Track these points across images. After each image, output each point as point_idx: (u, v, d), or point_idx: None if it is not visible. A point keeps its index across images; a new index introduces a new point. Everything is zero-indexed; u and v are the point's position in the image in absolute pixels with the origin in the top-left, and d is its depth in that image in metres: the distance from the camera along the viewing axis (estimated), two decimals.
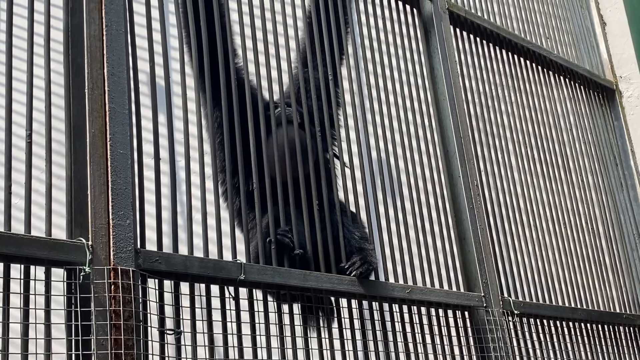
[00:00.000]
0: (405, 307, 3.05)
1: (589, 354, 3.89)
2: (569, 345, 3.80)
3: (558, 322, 3.80)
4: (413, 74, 3.65)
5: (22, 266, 2.01)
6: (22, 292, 2.00)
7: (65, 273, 2.07)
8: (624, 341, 4.23)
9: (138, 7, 2.53)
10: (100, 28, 2.34)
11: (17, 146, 2.13)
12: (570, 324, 3.88)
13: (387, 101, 3.42)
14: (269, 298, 2.58)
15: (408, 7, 3.77)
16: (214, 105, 2.75)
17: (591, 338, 3.97)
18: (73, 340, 2.01)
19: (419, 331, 3.05)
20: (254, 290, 2.55)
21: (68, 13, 2.34)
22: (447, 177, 3.57)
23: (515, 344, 3.41)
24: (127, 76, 2.36)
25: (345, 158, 3.17)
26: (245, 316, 2.49)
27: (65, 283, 2.06)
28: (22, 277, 2.01)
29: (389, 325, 2.93)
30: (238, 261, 2.46)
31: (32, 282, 2.03)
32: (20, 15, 2.27)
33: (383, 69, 3.48)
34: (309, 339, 2.66)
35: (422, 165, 3.46)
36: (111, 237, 2.14)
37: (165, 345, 2.23)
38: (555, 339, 3.73)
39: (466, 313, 3.33)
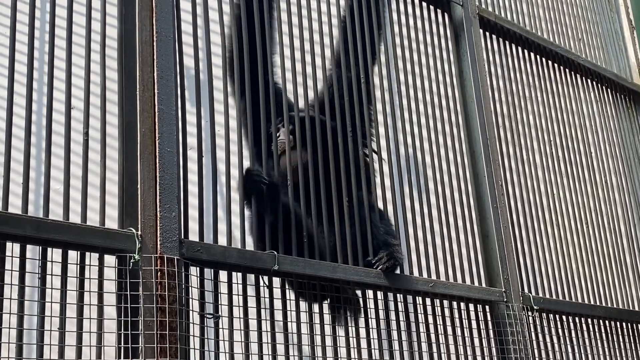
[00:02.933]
0: (428, 300, 3.22)
1: (606, 350, 4.03)
2: (587, 341, 3.94)
3: (577, 319, 3.95)
4: (442, 76, 3.81)
5: (79, 252, 2.22)
6: (78, 276, 2.21)
7: (116, 260, 2.27)
8: None
9: (185, 16, 2.71)
10: (151, 34, 2.53)
11: (75, 141, 2.34)
12: (589, 320, 4.02)
13: (416, 100, 3.58)
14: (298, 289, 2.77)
15: (439, 12, 3.92)
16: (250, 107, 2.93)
17: (609, 335, 4.11)
18: (122, 321, 2.22)
19: (441, 323, 3.22)
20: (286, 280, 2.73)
21: (122, 20, 2.54)
22: (473, 176, 3.72)
23: (534, 338, 3.57)
24: (175, 79, 2.56)
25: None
26: (277, 304, 2.68)
27: (116, 269, 2.26)
28: (78, 263, 2.21)
29: (412, 317, 3.10)
30: (273, 253, 2.65)
31: (87, 267, 2.23)
32: (78, 24, 2.47)
33: (414, 70, 3.63)
34: (337, 327, 2.84)
35: (449, 162, 3.62)
36: (158, 227, 2.34)
37: (205, 327, 2.42)
38: (573, 335, 3.88)
39: (487, 307, 3.49)
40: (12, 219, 2.06)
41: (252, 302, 2.61)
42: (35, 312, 2.10)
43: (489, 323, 3.45)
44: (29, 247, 2.14)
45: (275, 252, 2.65)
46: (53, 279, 2.15)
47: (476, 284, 3.48)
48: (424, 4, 3.86)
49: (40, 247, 2.15)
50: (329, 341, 2.79)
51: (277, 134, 3.04)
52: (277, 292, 2.70)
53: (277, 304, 2.69)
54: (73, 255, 2.21)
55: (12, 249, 2.09)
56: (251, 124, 2.84)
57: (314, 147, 3.05)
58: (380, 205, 3.28)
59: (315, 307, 2.82)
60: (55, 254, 2.17)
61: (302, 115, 3.05)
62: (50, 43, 2.37)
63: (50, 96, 2.33)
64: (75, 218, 2.25)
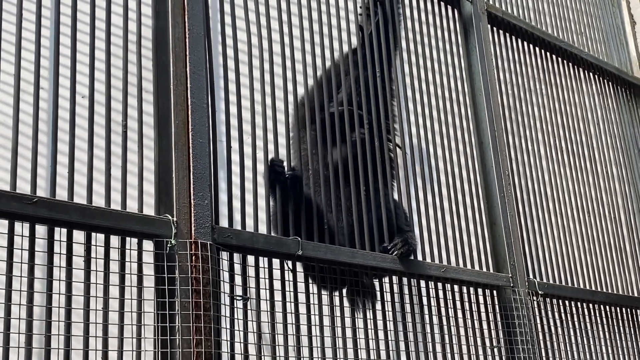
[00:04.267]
0: (440, 285, 3.38)
1: (606, 334, 4.20)
2: (588, 325, 4.11)
3: (579, 304, 4.11)
4: (452, 69, 3.95)
5: (120, 237, 2.37)
6: (119, 259, 2.35)
7: (154, 244, 2.42)
8: None
9: (213, 14, 2.85)
10: (183, 31, 2.68)
11: (115, 132, 2.48)
12: (591, 305, 4.19)
13: (428, 93, 3.72)
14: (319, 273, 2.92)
15: (449, 8, 4.07)
16: None
17: (609, 320, 4.28)
18: (160, 302, 2.37)
19: (452, 306, 3.38)
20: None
21: (155, 18, 2.68)
22: (481, 166, 3.87)
23: (538, 321, 3.73)
24: (206, 74, 2.70)
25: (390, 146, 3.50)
26: (301, 287, 2.83)
27: (154, 253, 2.41)
28: (119, 247, 2.36)
29: (425, 300, 3.26)
30: (297, 239, 2.80)
31: (127, 251, 2.38)
32: (115, 25, 2.60)
33: (425, 64, 3.78)
34: (355, 309, 3.00)
35: (458, 153, 3.77)
36: (192, 214, 2.49)
37: (235, 309, 2.58)
38: (575, 319, 4.04)
39: (495, 292, 3.65)
40: (60, 205, 2.21)
41: (277, 286, 2.76)
42: (82, 293, 2.24)
43: (497, 307, 3.61)
44: (75, 232, 2.29)
45: (299, 238, 2.80)
46: (97, 262, 2.30)
47: (484, 269, 3.64)
48: (435, 0, 4.00)
49: (85, 232, 2.30)
50: (348, 323, 2.94)
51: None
52: (300, 277, 2.86)
53: (301, 287, 2.84)
54: (114, 240, 2.36)
55: (60, 233, 2.24)
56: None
57: (346, 140, 3.21)
58: (396, 196, 3.44)
59: (336, 292, 2.97)
60: (98, 239, 2.32)
61: (332, 111, 3.21)
62: (91, 41, 2.51)
63: (92, 91, 2.47)
64: (115, 206, 2.40)
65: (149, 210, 2.49)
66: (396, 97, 3.55)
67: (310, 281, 2.88)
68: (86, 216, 2.26)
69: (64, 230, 2.26)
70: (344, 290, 3.06)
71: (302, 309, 2.81)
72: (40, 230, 2.24)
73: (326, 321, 2.86)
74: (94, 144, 2.42)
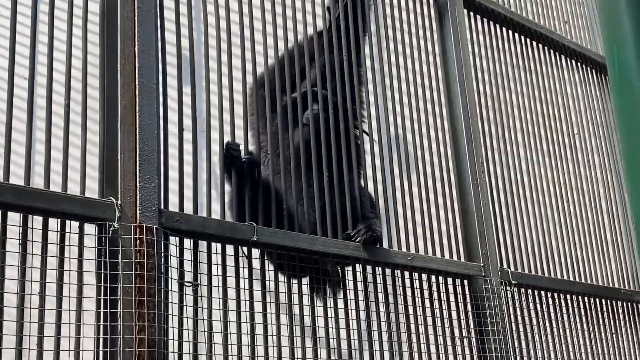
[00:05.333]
0: (407, 274, 3.29)
1: (584, 326, 4.11)
2: (565, 316, 4.02)
3: (556, 295, 4.02)
4: (426, 55, 3.86)
5: (59, 220, 2.28)
6: (58, 243, 2.27)
7: (96, 228, 2.33)
8: (621, 316, 4.43)
9: None
10: (132, 9, 2.59)
11: (56, 113, 2.39)
12: (568, 296, 4.10)
13: (399, 78, 3.63)
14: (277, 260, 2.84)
15: None
16: None
17: (588, 311, 4.19)
18: (102, 287, 2.28)
19: (419, 296, 3.29)
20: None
21: None
22: (454, 153, 3.79)
23: (512, 312, 3.65)
24: (156, 53, 2.61)
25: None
26: (256, 274, 2.75)
27: (96, 237, 2.33)
28: (58, 230, 2.28)
29: (390, 289, 3.18)
30: (252, 224, 2.71)
31: (67, 235, 2.29)
32: None
33: (397, 49, 3.68)
34: (315, 297, 2.91)
35: (430, 140, 3.68)
36: (138, 197, 2.40)
37: (184, 295, 2.49)
38: (552, 310, 3.95)
39: (465, 282, 3.56)
40: None
41: (232, 273, 2.68)
42: (16, 277, 2.16)
43: (467, 297, 3.53)
44: (10, 214, 2.20)
45: (255, 224, 2.71)
46: (34, 246, 2.22)
47: (455, 258, 3.55)
48: None
49: (22, 215, 2.21)
50: (307, 311, 2.85)
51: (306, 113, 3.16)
52: (257, 264, 2.77)
53: (257, 275, 2.76)
54: (53, 223, 2.28)
55: None
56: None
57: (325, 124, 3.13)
58: (363, 182, 3.35)
59: (295, 280, 2.88)
60: (36, 222, 2.23)
61: (295, 95, 3.12)
62: (33, 16, 2.42)
63: (32, 68, 2.38)
64: (57, 189, 2.32)
65: (94, 193, 2.40)
66: (364, 83, 3.45)
67: (268, 268, 2.79)
68: (22, 197, 2.17)
69: None
70: (306, 279, 2.98)
71: (259, 297, 2.72)
72: None
73: (283, 309, 2.77)
74: (33, 123, 2.33)
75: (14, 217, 2.20)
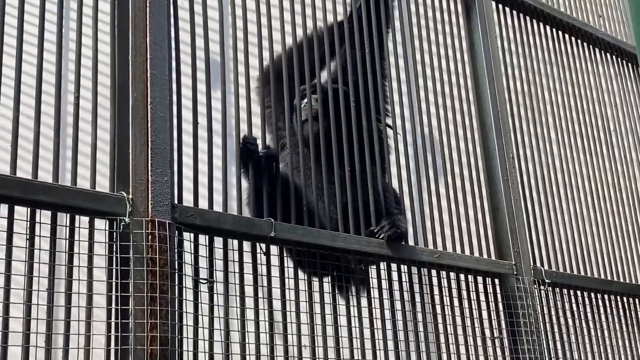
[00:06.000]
0: (434, 272, 3.17)
1: (622, 327, 3.95)
2: (602, 316, 3.87)
3: (592, 294, 3.87)
4: (453, 52, 3.74)
5: (68, 215, 2.22)
6: (67, 238, 2.21)
7: (107, 223, 2.27)
8: None
9: None
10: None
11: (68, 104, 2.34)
12: (605, 296, 3.94)
13: (424, 77, 3.51)
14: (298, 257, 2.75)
15: None
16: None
17: (626, 311, 4.02)
18: (113, 283, 2.22)
19: (447, 295, 3.17)
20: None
21: None
22: (483, 149, 3.66)
23: (546, 312, 3.51)
24: (169, 45, 2.54)
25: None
26: (275, 271, 2.66)
27: (107, 232, 2.26)
28: (67, 225, 2.21)
29: (416, 288, 3.06)
30: (270, 220, 2.62)
31: (76, 230, 2.23)
32: None
33: (422, 47, 3.57)
34: (336, 295, 2.81)
35: (458, 137, 3.57)
36: (150, 191, 2.33)
37: (199, 292, 2.41)
38: (588, 310, 3.80)
39: (496, 281, 3.43)
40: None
41: (250, 270, 2.59)
42: (23, 273, 2.10)
43: (498, 296, 3.40)
44: (17, 208, 2.15)
45: (273, 220, 2.62)
46: (42, 241, 2.15)
47: (485, 256, 3.43)
48: None
49: (29, 209, 2.15)
50: (328, 310, 2.76)
51: (302, 103, 3.04)
52: (277, 261, 2.69)
53: (277, 272, 2.67)
54: (62, 218, 2.21)
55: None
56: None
57: (335, 117, 3.03)
58: (387, 178, 3.24)
59: (316, 278, 2.79)
60: (44, 216, 2.17)
61: (324, 86, 3.04)
62: (41, 6, 2.37)
63: (40, 58, 2.33)
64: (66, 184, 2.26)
65: (104, 188, 2.34)
66: (388, 77, 3.35)
67: (287, 266, 2.70)
68: (29, 191, 2.11)
69: (5, 207, 2.11)
70: (327, 277, 2.88)
71: (278, 294, 2.63)
72: None
73: (303, 308, 2.68)
74: (41, 115, 2.27)
75: (21, 212, 2.14)
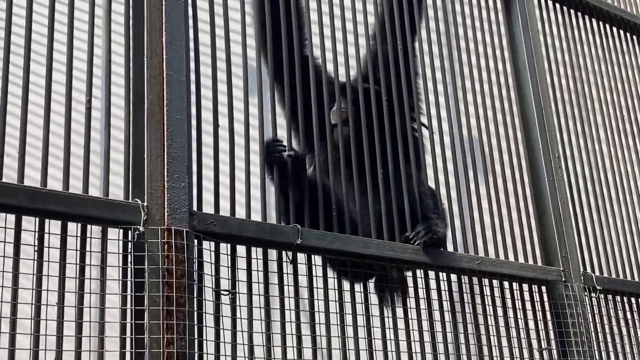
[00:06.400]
0: (475, 280, 2.99)
1: None
2: None
3: None
4: (492, 49, 3.55)
5: (79, 224, 2.10)
6: (78, 249, 2.09)
7: (121, 232, 2.14)
8: None
9: None
10: None
11: (76, 110, 2.23)
12: None
13: (462, 74, 3.34)
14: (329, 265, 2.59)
15: None
16: (275, 78, 2.78)
17: None
18: (128, 296, 2.09)
19: (490, 304, 2.99)
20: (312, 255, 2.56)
21: None
22: (526, 149, 3.47)
23: (597, 321, 3.29)
24: (186, 45, 2.42)
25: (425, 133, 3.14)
26: (303, 280, 2.51)
27: (120, 242, 2.14)
28: (78, 235, 2.10)
29: (456, 297, 2.89)
30: (296, 226, 2.48)
31: (88, 240, 2.11)
32: None
33: (458, 40, 3.39)
34: (369, 305, 2.65)
35: (499, 137, 3.38)
36: (166, 198, 2.20)
37: (220, 304, 2.27)
38: None
39: (543, 288, 3.23)
40: (4, 188, 1.96)
41: (274, 279, 2.45)
42: (32, 287, 1.99)
43: (546, 305, 3.19)
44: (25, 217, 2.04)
45: (299, 226, 2.48)
46: (51, 252, 2.04)
47: (531, 262, 3.23)
48: None
49: (37, 219, 2.04)
50: (360, 321, 2.60)
51: (332, 108, 2.90)
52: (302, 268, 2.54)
53: (305, 282, 2.52)
54: (73, 228, 2.10)
55: (6, 219, 1.99)
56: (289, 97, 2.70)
57: (366, 118, 2.87)
58: (424, 179, 3.07)
59: (348, 286, 2.63)
60: (53, 226, 2.06)
61: (354, 85, 2.89)
62: (51, 5, 2.27)
63: (49, 60, 2.22)
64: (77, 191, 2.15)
65: (118, 196, 2.22)
66: (421, 75, 3.17)
67: (315, 275, 2.55)
68: (38, 200, 2.00)
69: (12, 217, 2.01)
70: (366, 285, 2.71)
71: (305, 305, 2.48)
72: None
73: (333, 319, 2.52)
74: (50, 120, 2.17)
75: (28, 222, 2.03)
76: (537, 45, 3.67)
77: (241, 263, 2.38)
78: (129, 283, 2.10)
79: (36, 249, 2.02)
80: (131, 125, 2.28)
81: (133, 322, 2.06)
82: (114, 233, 2.15)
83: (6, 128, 2.08)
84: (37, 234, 2.03)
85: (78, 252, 2.08)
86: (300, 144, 2.79)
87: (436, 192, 3.03)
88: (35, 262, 2.01)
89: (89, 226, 2.12)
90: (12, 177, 2.05)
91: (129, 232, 2.14)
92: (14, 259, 1.98)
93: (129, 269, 2.12)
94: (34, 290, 1.98)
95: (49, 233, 2.04)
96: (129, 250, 2.13)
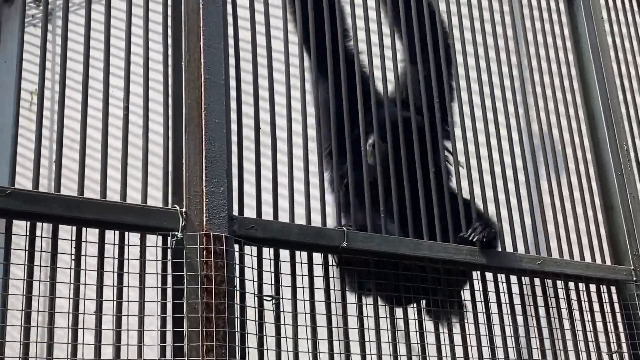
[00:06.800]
0: (537, 281, 2.86)
1: None
2: None
3: None
4: (552, 38, 3.40)
5: (117, 232, 2.08)
6: (116, 256, 2.07)
7: (160, 239, 2.12)
8: None
9: None
10: (198, 1, 2.37)
11: (114, 115, 2.22)
12: None
13: (522, 66, 3.20)
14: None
15: None
16: (320, 79, 2.71)
17: None
18: (166, 304, 2.06)
19: (554, 307, 2.85)
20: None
21: None
22: (592, 142, 3.31)
23: None
24: (225, 48, 2.38)
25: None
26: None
27: (158, 249, 2.11)
28: (116, 243, 2.08)
29: (517, 299, 2.76)
30: (341, 228, 2.41)
31: (126, 248, 2.09)
32: None
33: (516, 32, 3.26)
34: (422, 310, 2.55)
35: (561, 129, 3.23)
36: (205, 203, 2.16)
37: (263, 310, 2.22)
38: None
39: (613, 288, 3.07)
40: (39, 197, 1.96)
41: (320, 284, 2.39)
42: (69, 295, 1.98)
43: (616, 306, 3.03)
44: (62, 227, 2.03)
45: (344, 228, 2.40)
46: (89, 261, 2.02)
47: (599, 261, 3.07)
48: None
49: (75, 227, 2.03)
50: (412, 326, 2.51)
51: (369, 140, 2.81)
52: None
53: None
54: (110, 236, 2.08)
55: (42, 229, 1.99)
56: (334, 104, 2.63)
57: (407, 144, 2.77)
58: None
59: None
60: (91, 234, 2.05)
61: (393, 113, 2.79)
62: (87, 12, 2.27)
63: (86, 66, 2.22)
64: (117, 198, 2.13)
65: (157, 202, 2.19)
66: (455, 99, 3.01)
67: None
68: (74, 209, 1.99)
69: (47, 226, 2.00)
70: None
71: (352, 310, 2.41)
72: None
73: (383, 324, 2.44)
74: (87, 127, 2.16)
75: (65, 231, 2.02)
76: (601, 33, 3.51)
77: (285, 268, 2.32)
78: (168, 290, 2.07)
79: (73, 257, 2.01)
80: (170, 131, 2.25)
81: (172, 330, 2.02)
82: (152, 240, 2.12)
83: (42, 137, 2.08)
84: (74, 242, 2.02)
85: (116, 260, 2.06)
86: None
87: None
88: (73, 270, 2.00)
89: (126, 234, 2.10)
90: (47, 186, 2.05)
91: (168, 238, 2.11)
92: (50, 268, 1.97)
93: (168, 276, 2.09)
94: (70, 299, 1.97)
95: (85, 241, 2.03)
96: (168, 257, 2.10)
